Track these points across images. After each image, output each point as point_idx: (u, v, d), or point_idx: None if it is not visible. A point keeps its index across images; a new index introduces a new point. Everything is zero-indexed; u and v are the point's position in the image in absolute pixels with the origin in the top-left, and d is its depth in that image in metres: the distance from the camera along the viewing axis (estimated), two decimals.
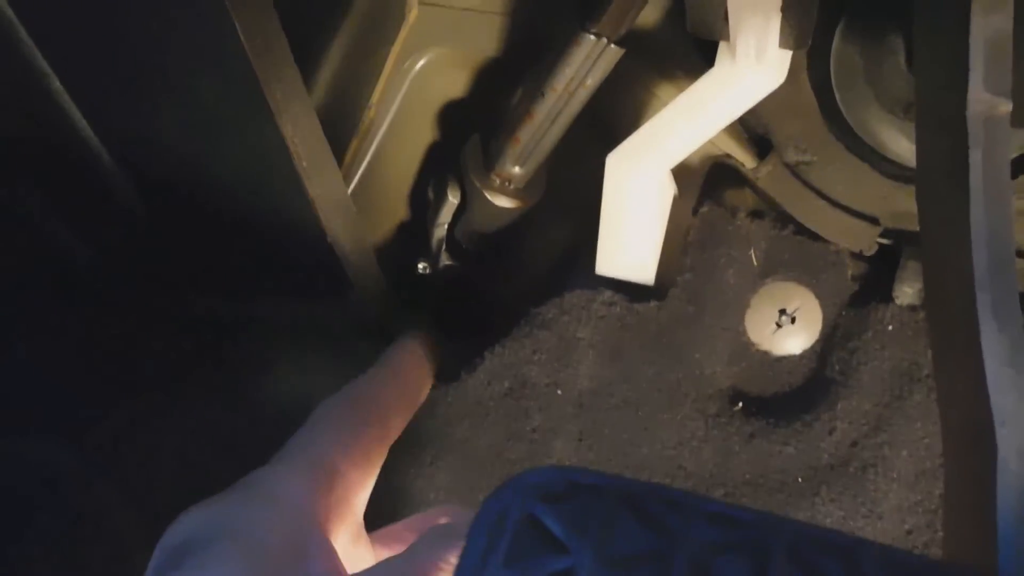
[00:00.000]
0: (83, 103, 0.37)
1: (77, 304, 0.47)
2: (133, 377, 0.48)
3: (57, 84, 0.35)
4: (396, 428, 0.29)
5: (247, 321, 0.51)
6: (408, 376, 0.31)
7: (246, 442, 0.48)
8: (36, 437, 0.46)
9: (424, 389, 0.32)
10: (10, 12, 0.33)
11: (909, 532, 0.47)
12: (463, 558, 0.17)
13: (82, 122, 0.37)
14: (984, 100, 0.23)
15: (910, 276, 0.51)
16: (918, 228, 0.51)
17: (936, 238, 0.28)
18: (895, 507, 0.47)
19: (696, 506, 0.18)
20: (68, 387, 0.47)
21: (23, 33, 0.34)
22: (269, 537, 0.24)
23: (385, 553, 0.28)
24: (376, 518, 0.50)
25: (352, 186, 0.59)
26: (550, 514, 0.17)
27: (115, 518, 0.45)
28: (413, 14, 0.57)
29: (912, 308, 0.51)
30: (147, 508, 0.46)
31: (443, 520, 0.30)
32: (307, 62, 0.50)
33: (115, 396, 0.47)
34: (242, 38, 0.32)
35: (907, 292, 0.51)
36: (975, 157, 0.24)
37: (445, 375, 0.51)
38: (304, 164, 0.37)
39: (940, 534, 0.46)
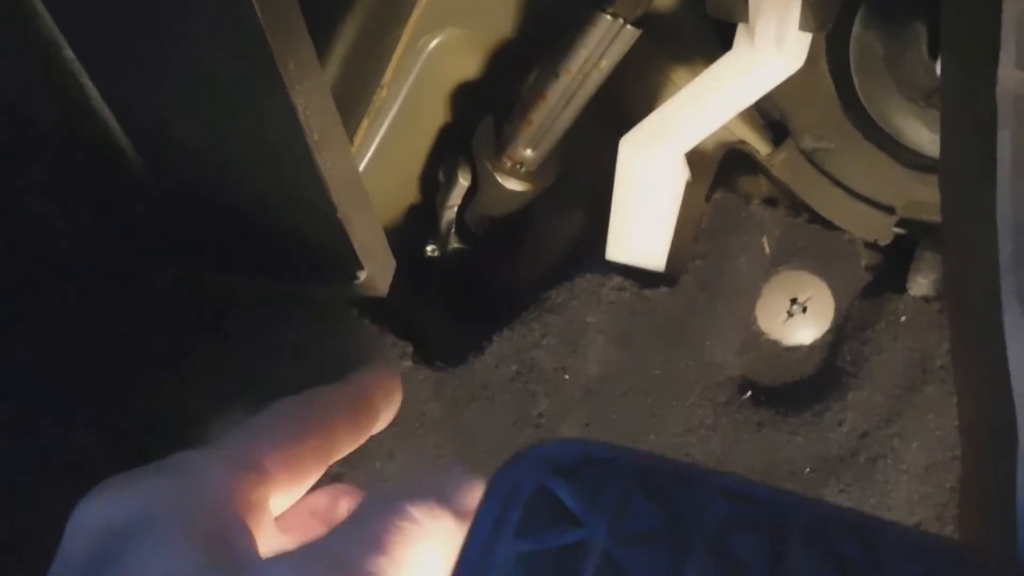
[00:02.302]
0: (94, 73, 0.36)
1: (77, 304, 0.47)
2: (134, 377, 0.48)
3: (68, 53, 0.35)
4: (340, 449, 0.29)
5: (253, 304, 0.51)
6: (368, 403, 0.31)
7: None
8: (36, 436, 0.45)
9: (382, 421, 0.31)
10: None
11: (918, 525, 0.46)
12: (474, 528, 0.16)
13: (93, 91, 0.36)
14: (1015, 78, 0.23)
15: (925, 267, 0.50)
16: (935, 218, 0.51)
17: (959, 224, 0.28)
18: (904, 499, 0.47)
19: (712, 482, 0.18)
20: (68, 387, 0.47)
21: (37, 1, 0.34)
22: (201, 521, 0.23)
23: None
24: None
25: (363, 166, 0.59)
26: (564, 487, 0.17)
27: None
28: None
29: (926, 299, 0.50)
30: None
31: (345, 499, 0.29)
32: (320, 39, 0.49)
33: (115, 396, 0.47)
34: (256, 8, 0.32)
35: (922, 283, 0.50)
36: (1003, 137, 0.23)
37: (452, 358, 0.51)
38: (316, 139, 0.36)
39: (950, 527, 0.46)
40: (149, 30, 0.33)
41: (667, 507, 0.17)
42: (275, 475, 0.26)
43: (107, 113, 0.38)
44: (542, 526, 0.16)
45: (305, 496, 0.28)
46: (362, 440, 0.30)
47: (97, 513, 0.24)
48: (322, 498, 0.29)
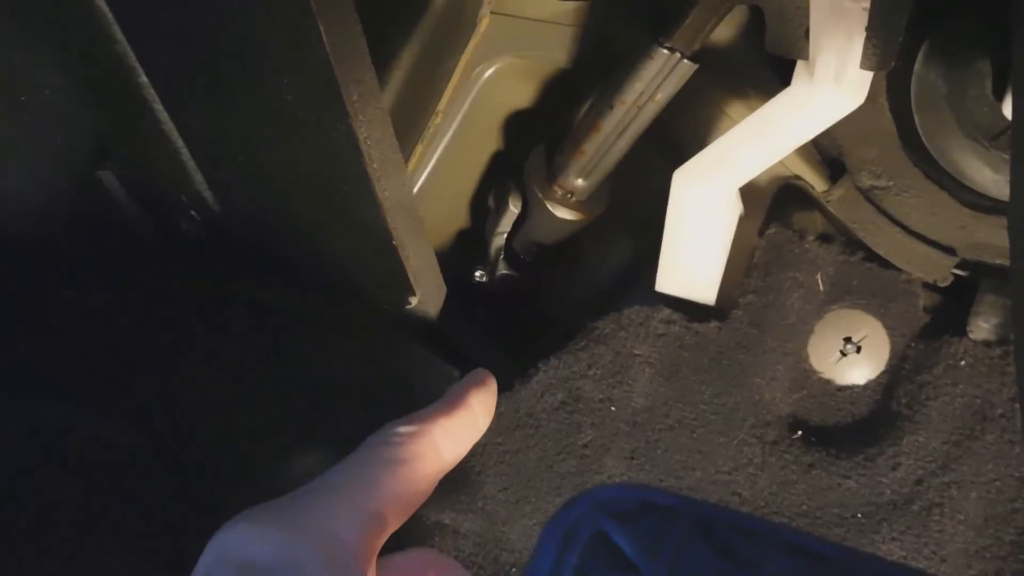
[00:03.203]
0: (165, 98, 0.38)
1: (78, 305, 0.48)
2: (134, 377, 0.49)
3: (144, 79, 0.37)
4: (445, 472, 0.29)
5: (304, 320, 0.51)
6: (475, 422, 0.30)
7: (284, 456, 0.48)
8: (36, 435, 0.46)
9: (482, 431, 0.31)
10: (106, 8, 0.34)
11: None
12: (531, 571, 0.16)
13: (164, 115, 0.38)
14: None
15: (987, 310, 0.49)
16: (997, 260, 0.49)
17: None
18: (961, 551, 0.45)
19: (773, 535, 0.17)
20: (68, 387, 0.47)
21: (116, 30, 0.36)
22: (337, 573, 0.24)
23: None
24: (418, 526, 0.49)
25: (415, 191, 0.59)
26: (621, 533, 0.16)
27: (125, 524, 0.45)
28: (484, 23, 0.57)
29: (987, 344, 0.49)
30: (155, 513, 0.45)
31: (432, 571, 0.29)
32: (379, 66, 0.50)
33: (115, 400, 0.48)
34: (324, 39, 0.32)
35: (982, 327, 0.49)
36: None
37: (499, 384, 0.50)
38: (375, 166, 0.37)
39: None
40: (220, 60, 0.35)
41: (726, 559, 0.16)
42: (392, 524, 0.27)
43: (175, 135, 0.40)
44: (599, 572, 0.16)
45: (396, 556, 0.29)
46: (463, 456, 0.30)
47: (240, 549, 0.24)
48: (412, 563, 0.29)
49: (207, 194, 0.42)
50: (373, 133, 0.37)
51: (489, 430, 0.49)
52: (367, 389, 0.50)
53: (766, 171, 0.48)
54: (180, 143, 0.39)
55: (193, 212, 0.43)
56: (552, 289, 0.63)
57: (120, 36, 0.35)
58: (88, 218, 0.43)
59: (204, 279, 0.49)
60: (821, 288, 0.51)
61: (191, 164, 0.40)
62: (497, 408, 0.49)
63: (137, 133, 0.39)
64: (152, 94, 0.37)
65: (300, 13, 0.32)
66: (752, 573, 0.17)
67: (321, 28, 0.32)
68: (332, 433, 0.49)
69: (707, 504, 0.16)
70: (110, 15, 0.35)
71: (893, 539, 0.45)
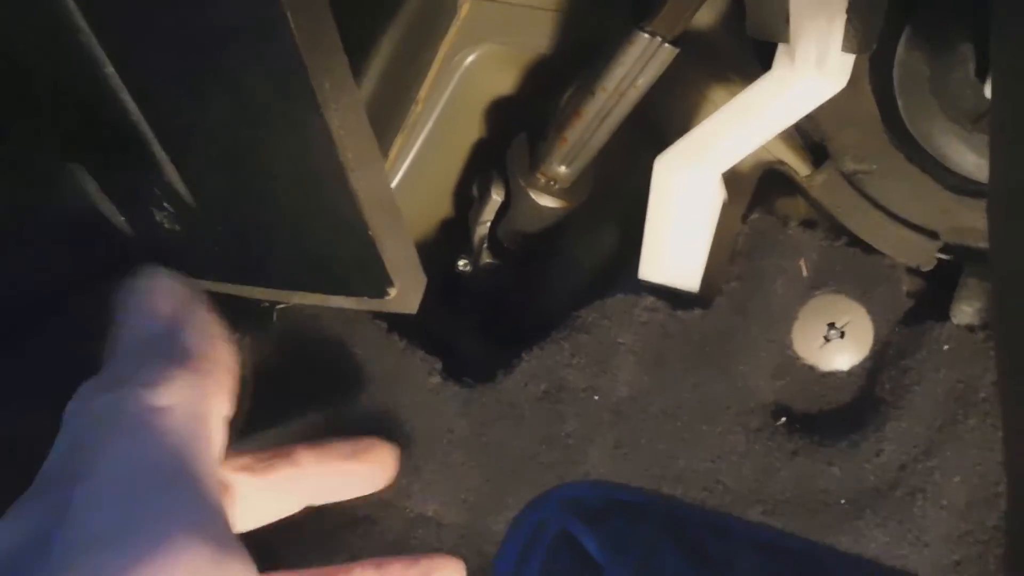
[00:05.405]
0: (133, 89, 0.37)
1: (81, 308, 0.47)
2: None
3: (110, 70, 0.36)
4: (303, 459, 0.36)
5: (283, 313, 0.51)
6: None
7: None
8: (40, 443, 0.46)
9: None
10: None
11: (957, 563, 0.45)
12: (495, 569, 0.16)
13: (133, 106, 0.37)
14: None
15: (970, 294, 0.48)
16: (980, 244, 0.49)
17: (1009, 253, 0.27)
18: (944, 536, 0.45)
19: (746, 534, 0.17)
20: (68, 389, 0.47)
21: (80, 18, 0.35)
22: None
23: None
24: (401, 518, 0.49)
25: (396, 181, 0.59)
26: (587, 532, 0.16)
27: None
28: (464, 9, 0.57)
29: (970, 328, 0.48)
30: None
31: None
32: (356, 55, 0.50)
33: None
34: (292, 26, 0.32)
35: (966, 311, 0.49)
36: None
37: (481, 375, 0.50)
38: (349, 157, 0.36)
39: (992, 567, 0.44)
40: (188, 50, 0.34)
41: (697, 558, 0.16)
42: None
43: (144, 126, 0.39)
44: (563, 573, 0.16)
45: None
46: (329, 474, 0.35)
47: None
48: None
49: (179, 186, 0.41)
50: (347, 124, 0.36)
51: (472, 420, 0.49)
52: (348, 380, 0.50)
53: (749, 156, 0.48)
54: (150, 134, 0.39)
55: (166, 204, 0.42)
56: (536, 278, 0.62)
57: (84, 25, 0.34)
58: (60, 211, 0.42)
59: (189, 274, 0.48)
60: (805, 274, 0.51)
61: (162, 156, 0.39)
62: (480, 399, 0.49)
63: (106, 124, 0.38)
64: (119, 83, 0.36)
65: (267, 0, 0.31)
66: (722, 572, 0.16)
67: (289, 16, 0.31)
68: (315, 423, 0.49)
69: (678, 501, 0.16)
70: (73, 2, 0.34)
71: (877, 525, 0.45)
